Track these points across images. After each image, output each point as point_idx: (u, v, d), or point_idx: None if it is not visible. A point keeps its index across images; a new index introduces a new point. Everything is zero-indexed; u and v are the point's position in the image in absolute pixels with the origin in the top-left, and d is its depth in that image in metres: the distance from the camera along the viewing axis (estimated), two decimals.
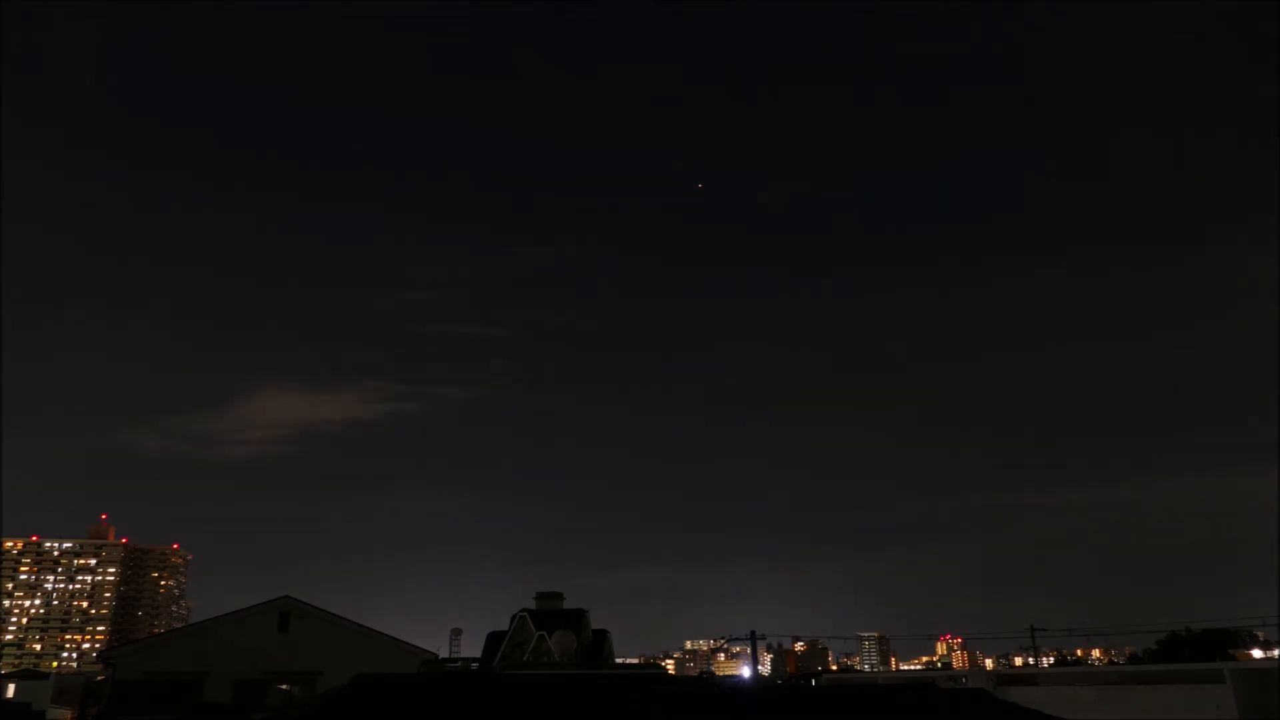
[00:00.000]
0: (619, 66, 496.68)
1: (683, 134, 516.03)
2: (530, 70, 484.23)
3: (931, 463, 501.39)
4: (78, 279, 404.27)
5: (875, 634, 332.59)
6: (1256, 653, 68.90)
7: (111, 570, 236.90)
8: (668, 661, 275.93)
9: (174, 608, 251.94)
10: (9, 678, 75.38)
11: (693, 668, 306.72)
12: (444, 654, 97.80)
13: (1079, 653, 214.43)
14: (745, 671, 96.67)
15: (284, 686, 34.84)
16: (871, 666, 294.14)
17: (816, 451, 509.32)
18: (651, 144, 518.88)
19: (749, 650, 64.86)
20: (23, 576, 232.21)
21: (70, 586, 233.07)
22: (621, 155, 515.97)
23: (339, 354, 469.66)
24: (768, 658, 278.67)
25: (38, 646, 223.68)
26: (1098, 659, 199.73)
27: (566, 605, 64.41)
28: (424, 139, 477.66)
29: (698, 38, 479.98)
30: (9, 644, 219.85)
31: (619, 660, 72.77)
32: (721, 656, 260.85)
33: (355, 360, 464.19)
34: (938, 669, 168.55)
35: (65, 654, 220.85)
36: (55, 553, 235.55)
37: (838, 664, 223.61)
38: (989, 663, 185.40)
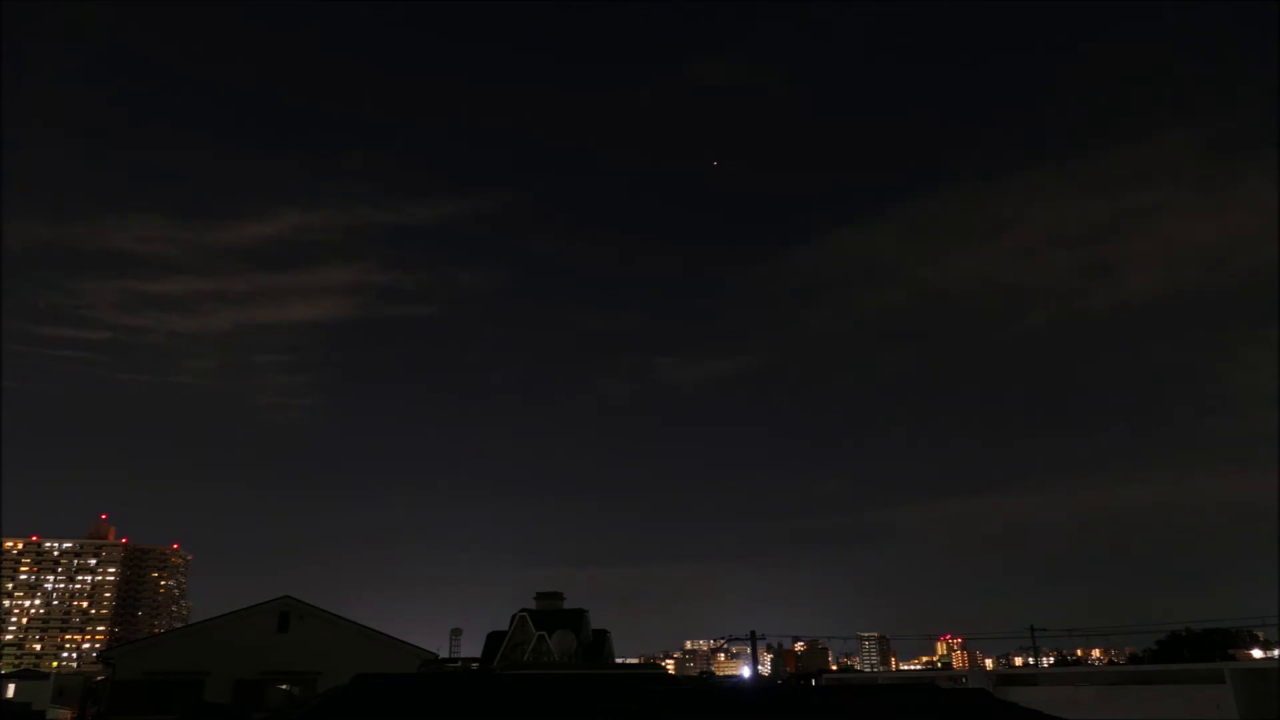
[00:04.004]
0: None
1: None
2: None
3: (932, 462, 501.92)
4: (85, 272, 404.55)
5: (875, 634, 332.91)
6: (1256, 653, 68.99)
7: (111, 570, 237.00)
8: (668, 661, 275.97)
9: (174, 608, 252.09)
10: (9, 678, 75.42)
11: (693, 668, 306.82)
12: (444, 654, 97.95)
13: (1079, 653, 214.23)
14: (745, 671, 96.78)
15: (284, 686, 34.85)
16: (871, 666, 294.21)
17: (817, 451, 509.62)
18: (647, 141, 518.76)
19: (749, 650, 64.87)
20: (23, 576, 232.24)
21: (70, 586, 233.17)
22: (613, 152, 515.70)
23: (344, 353, 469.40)
24: (768, 658, 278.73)
25: (38, 646, 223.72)
26: (1098, 659, 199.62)
27: (566, 605, 64.28)
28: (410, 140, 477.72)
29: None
30: (9, 644, 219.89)
31: (619, 660, 72.71)
32: (721, 656, 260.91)
33: (358, 361, 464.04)
34: (938, 669, 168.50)
35: (65, 654, 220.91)
36: (55, 553, 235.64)
37: (838, 664, 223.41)
38: (989, 663, 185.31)
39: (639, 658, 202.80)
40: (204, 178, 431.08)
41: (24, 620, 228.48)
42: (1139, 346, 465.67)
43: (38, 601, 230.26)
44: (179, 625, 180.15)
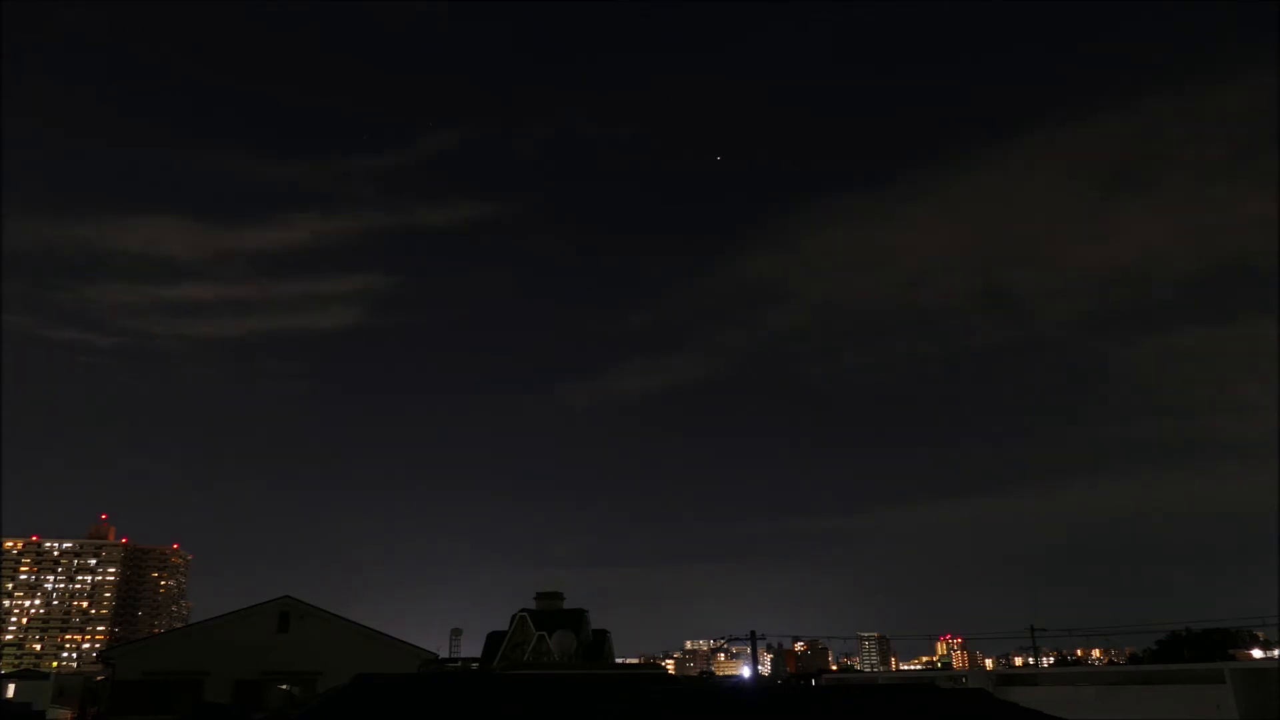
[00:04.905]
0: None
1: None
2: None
3: (931, 461, 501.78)
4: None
5: (875, 634, 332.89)
6: (1256, 653, 69.00)
7: (111, 570, 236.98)
8: (668, 661, 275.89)
9: (174, 608, 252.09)
10: (9, 678, 75.37)
11: (693, 668, 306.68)
12: (444, 654, 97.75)
13: (1079, 653, 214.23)
14: (745, 671, 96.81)
15: (284, 686, 34.85)
16: (871, 666, 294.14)
17: (817, 451, 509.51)
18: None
19: (749, 650, 64.89)
20: (23, 576, 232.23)
21: (70, 586, 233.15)
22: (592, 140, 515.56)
23: (345, 355, 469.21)
24: (768, 658, 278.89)
25: (38, 646, 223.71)
26: (1098, 659, 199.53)
27: (566, 605, 64.31)
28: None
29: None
30: (9, 644, 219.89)
31: (619, 660, 72.70)
32: (721, 656, 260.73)
33: (360, 363, 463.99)
34: (938, 669, 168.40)
35: (65, 654, 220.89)
36: (55, 553, 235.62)
37: (838, 664, 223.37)
38: (989, 663, 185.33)
39: (639, 658, 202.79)
40: (205, 180, 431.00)
41: (24, 620, 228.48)
42: (1131, 349, 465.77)
43: (38, 601, 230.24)
44: (179, 625, 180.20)
